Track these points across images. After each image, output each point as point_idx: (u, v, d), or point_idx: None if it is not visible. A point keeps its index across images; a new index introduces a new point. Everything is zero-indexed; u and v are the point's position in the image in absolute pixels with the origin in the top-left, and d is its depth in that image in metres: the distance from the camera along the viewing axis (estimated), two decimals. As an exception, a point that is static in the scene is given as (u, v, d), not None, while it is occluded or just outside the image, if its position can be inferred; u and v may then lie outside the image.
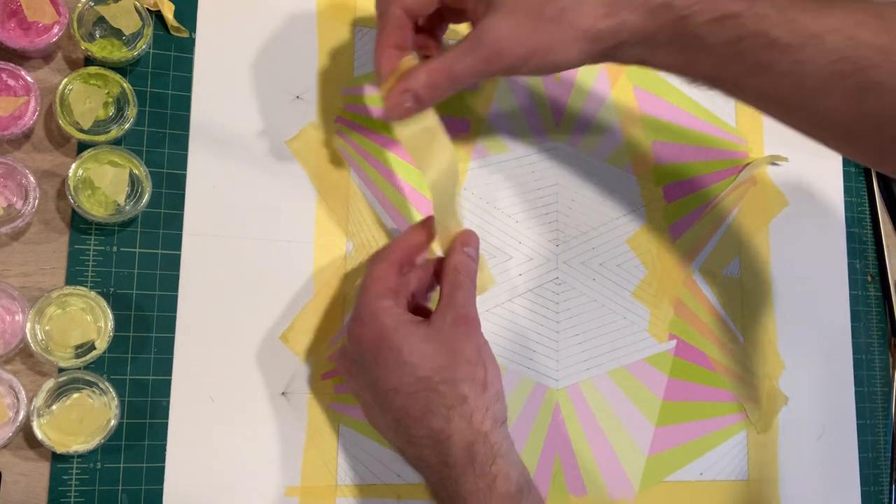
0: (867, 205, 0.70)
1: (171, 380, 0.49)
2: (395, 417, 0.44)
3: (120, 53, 0.49)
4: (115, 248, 0.49)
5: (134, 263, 0.49)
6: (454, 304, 0.46)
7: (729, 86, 0.45)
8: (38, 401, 0.44)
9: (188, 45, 0.52)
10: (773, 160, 0.66)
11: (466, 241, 0.49)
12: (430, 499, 0.45)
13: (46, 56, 0.49)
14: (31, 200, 0.46)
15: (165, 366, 0.49)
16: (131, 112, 0.48)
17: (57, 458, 0.46)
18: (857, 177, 0.70)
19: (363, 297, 0.46)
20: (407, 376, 0.43)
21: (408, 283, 0.48)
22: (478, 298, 0.55)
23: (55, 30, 0.47)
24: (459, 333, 0.45)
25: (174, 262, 0.50)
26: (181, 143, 0.51)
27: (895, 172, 0.45)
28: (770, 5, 0.41)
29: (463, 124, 0.57)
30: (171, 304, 0.49)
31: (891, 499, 0.66)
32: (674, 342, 0.61)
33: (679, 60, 0.44)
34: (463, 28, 0.49)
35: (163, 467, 0.48)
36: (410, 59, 0.46)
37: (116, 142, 0.48)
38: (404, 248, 0.48)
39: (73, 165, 0.46)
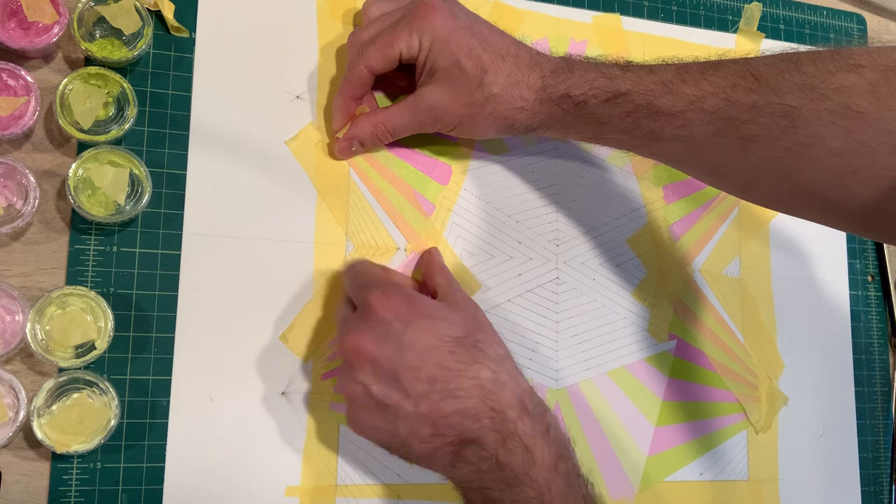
0: (867, 205, 0.70)
1: (171, 380, 0.49)
2: (432, 375, 0.43)
3: (120, 53, 0.49)
4: (115, 248, 0.49)
5: (134, 263, 0.49)
6: (455, 288, 0.50)
7: (636, 151, 0.51)
8: (38, 401, 0.44)
9: (188, 45, 0.52)
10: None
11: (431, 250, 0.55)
12: (474, 456, 0.43)
13: (46, 56, 0.49)
14: (31, 200, 0.46)
15: (165, 366, 0.49)
16: (131, 112, 0.48)
17: (57, 458, 0.46)
18: (857, 177, 0.70)
19: (367, 277, 0.49)
20: (442, 334, 0.44)
21: None
22: (478, 297, 0.56)
23: (55, 30, 0.47)
24: (472, 307, 0.49)
25: (174, 262, 0.50)
26: (181, 143, 0.51)
27: (803, 216, 0.47)
28: (655, 80, 0.47)
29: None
30: (171, 304, 0.49)
31: (891, 499, 0.66)
32: (674, 342, 0.61)
33: (589, 135, 0.51)
34: None
35: (163, 467, 0.48)
36: (363, 108, 0.54)
37: (116, 142, 0.48)
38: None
39: (73, 165, 0.46)
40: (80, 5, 0.47)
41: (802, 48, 0.45)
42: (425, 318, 0.45)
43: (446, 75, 0.49)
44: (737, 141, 0.44)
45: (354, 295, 0.48)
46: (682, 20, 0.66)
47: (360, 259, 0.53)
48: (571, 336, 0.58)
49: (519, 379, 0.45)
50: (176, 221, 0.50)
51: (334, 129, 0.54)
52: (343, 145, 0.53)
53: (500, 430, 0.43)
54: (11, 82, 0.46)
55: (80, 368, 0.46)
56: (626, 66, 0.49)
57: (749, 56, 0.46)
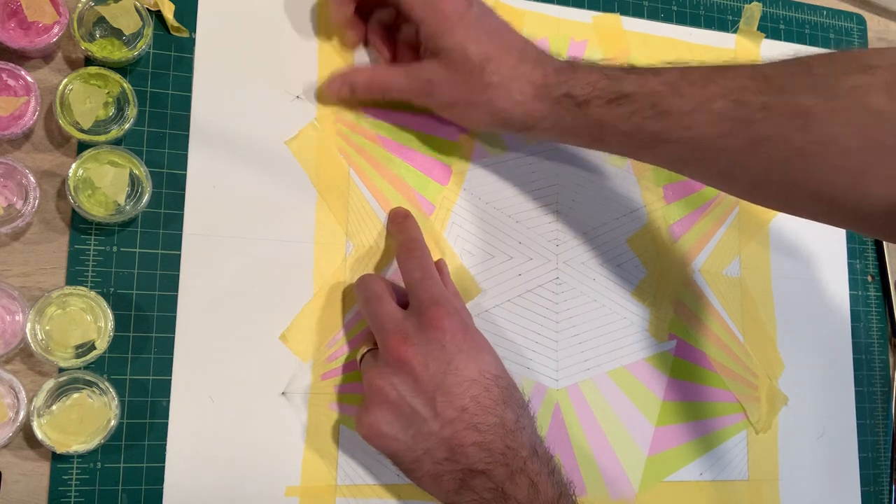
0: (867, 205, 0.70)
1: (171, 380, 0.49)
2: (463, 406, 0.45)
3: (120, 53, 0.49)
4: (115, 248, 0.49)
5: (134, 263, 0.49)
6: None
7: (638, 156, 0.50)
8: (38, 401, 0.44)
9: (188, 45, 0.52)
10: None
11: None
12: (480, 484, 0.45)
13: (46, 56, 0.49)
14: (31, 200, 0.46)
15: (165, 366, 0.49)
16: (131, 112, 0.48)
17: (57, 458, 0.46)
18: (857, 177, 0.70)
19: (435, 288, 0.48)
20: (485, 370, 0.46)
21: None
22: (477, 299, 0.56)
23: (55, 30, 0.47)
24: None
25: (174, 262, 0.50)
26: (181, 143, 0.51)
27: (813, 217, 0.47)
28: (661, 82, 0.46)
29: (463, 124, 0.58)
30: (171, 304, 0.49)
31: (891, 499, 0.66)
32: (674, 342, 0.61)
33: (588, 138, 0.50)
34: None
35: (163, 467, 0.48)
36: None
37: (116, 142, 0.48)
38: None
39: (73, 165, 0.46)
40: (80, 5, 0.47)
41: (803, 49, 0.45)
42: (475, 351, 0.46)
43: (448, 57, 0.49)
44: (746, 142, 0.44)
45: (413, 294, 0.48)
46: (682, 20, 0.66)
47: (423, 252, 0.51)
48: (571, 336, 0.58)
49: (535, 427, 0.47)
50: (176, 221, 0.50)
51: (332, 20, 0.54)
52: (336, 84, 0.53)
53: (510, 465, 0.44)
54: (11, 82, 0.46)
55: (80, 368, 0.46)
56: (631, 69, 0.48)
57: (755, 62, 0.46)
